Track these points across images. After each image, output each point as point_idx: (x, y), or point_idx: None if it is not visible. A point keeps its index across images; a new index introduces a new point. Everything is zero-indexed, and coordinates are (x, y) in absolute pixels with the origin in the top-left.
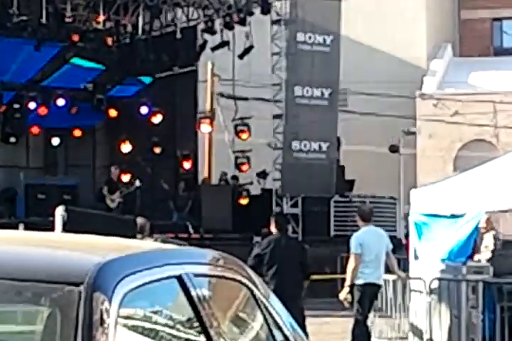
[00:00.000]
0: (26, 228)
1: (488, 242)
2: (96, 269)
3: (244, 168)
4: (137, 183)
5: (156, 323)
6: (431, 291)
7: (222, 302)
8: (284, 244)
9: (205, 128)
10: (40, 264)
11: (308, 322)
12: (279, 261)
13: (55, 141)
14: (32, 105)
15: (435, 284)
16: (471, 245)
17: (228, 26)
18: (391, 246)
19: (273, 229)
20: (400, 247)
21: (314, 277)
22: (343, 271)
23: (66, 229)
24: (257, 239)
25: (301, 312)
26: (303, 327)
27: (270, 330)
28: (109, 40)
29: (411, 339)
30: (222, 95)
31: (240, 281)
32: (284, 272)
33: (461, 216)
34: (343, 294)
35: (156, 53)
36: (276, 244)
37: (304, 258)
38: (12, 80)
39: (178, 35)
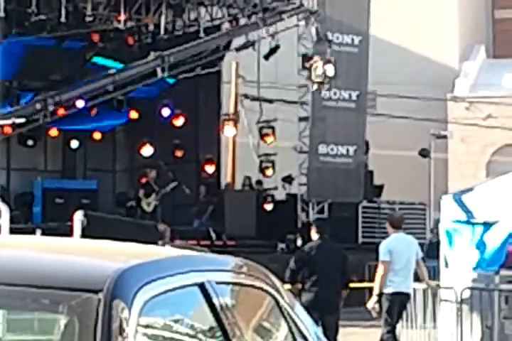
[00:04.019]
0: (43, 233)
1: None
2: (115, 276)
3: (269, 172)
4: (172, 184)
5: (177, 332)
6: (462, 301)
7: (246, 311)
8: (327, 250)
9: (228, 131)
10: (57, 271)
11: None
12: (320, 268)
13: (74, 144)
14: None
15: (467, 294)
16: (505, 253)
17: None
18: (421, 254)
19: (314, 234)
20: (429, 255)
21: None
22: (371, 280)
23: (85, 234)
24: (281, 245)
25: (336, 321)
26: (334, 337)
27: (295, 340)
28: (131, 40)
29: None
30: (246, 97)
31: (263, 289)
32: (325, 280)
33: (494, 223)
34: (371, 303)
35: None
36: (318, 250)
37: (345, 266)
38: (30, 80)
39: (202, 35)
